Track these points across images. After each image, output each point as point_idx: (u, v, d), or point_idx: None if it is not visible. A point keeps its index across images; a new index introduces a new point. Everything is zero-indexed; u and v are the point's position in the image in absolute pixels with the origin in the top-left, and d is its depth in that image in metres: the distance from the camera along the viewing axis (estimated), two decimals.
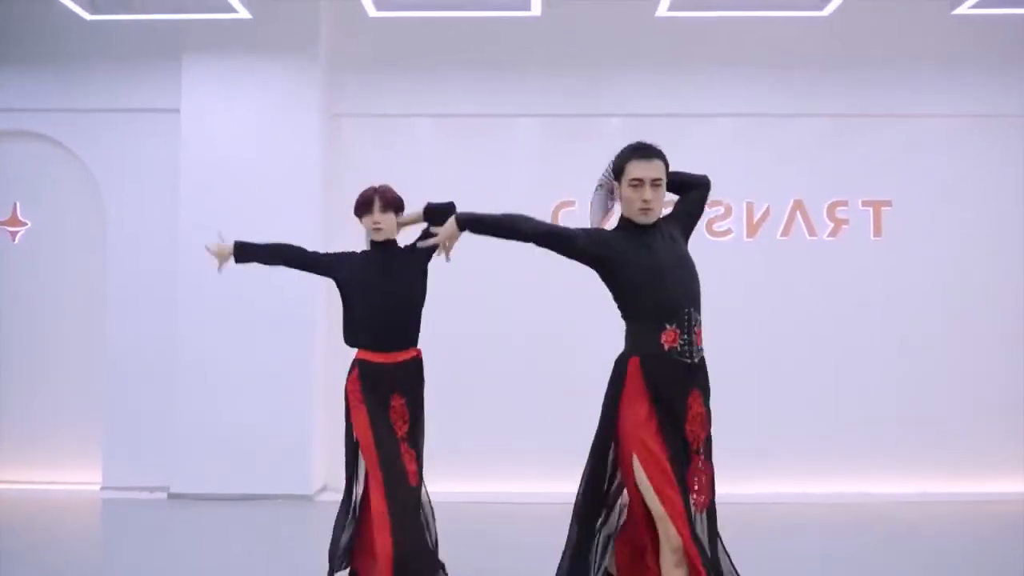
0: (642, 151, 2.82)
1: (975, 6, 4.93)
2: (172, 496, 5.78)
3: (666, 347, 2.68)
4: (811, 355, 6.06)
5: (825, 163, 6.17)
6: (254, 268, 5.87)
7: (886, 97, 6.12)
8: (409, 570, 3.17)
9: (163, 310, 5.96)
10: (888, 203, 6.15)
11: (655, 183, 2.77)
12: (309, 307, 5.89)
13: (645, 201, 2.75)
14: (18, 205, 6.25)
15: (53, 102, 6.12)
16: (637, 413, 2.68)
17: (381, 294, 3.53)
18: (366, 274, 3.58)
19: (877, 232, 6.15)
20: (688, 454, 2.70)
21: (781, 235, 6.17)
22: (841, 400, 6.02)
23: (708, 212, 6.05)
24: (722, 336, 5.76)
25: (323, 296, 5.94)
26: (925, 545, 4.69)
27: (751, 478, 5.83)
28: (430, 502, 3.61)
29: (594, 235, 2.84)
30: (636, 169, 2.78)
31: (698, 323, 2.73)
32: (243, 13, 5.15)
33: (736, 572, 2.85)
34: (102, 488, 5.97)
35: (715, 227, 6.17)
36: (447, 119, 6.20)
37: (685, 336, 2.69)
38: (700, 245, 3.23)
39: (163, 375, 5.93)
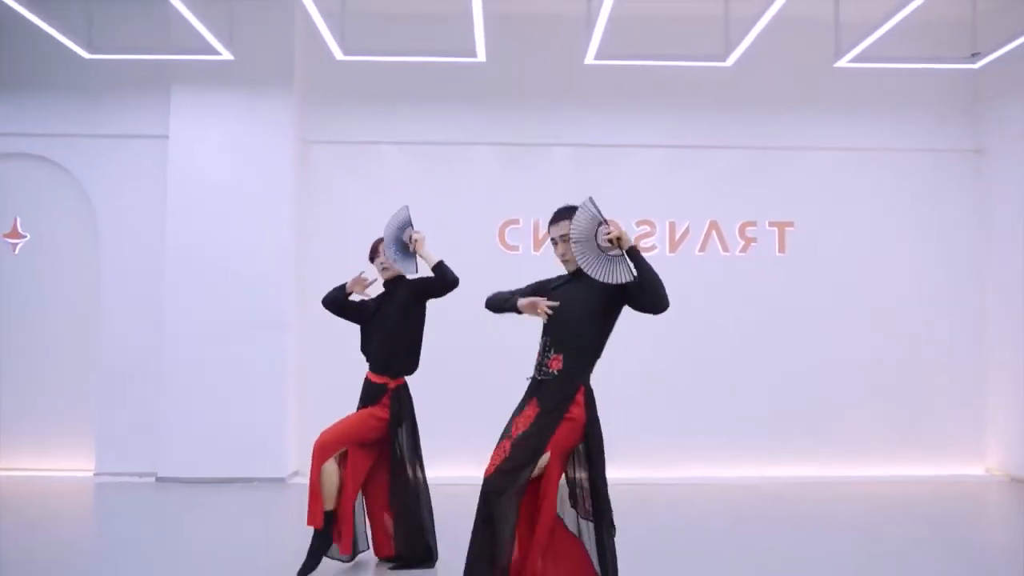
0: (553, 217, 3.54)
1: (852, 61, 5.83)
2: (160, 480, 6.48)
3: (535, 363, 3.49)
4: (723, 355, 6.95)
5: (737, 189, 7.06)
6: (234, 277, 6.63)
7: (787, 133, 7.05)
8: None
9: (151, 315, 6.65)
10: (791, 224, 7.07)
11: (563, 238, 3.47)
12: (282, 314, 6.61)
13: (562, 253, 3.50)
14: (18, 220, 6.88)
15: (53, 128, 6.77)
16: None
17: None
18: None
19: (781, 249, 7.06)
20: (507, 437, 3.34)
21: (699, 251, 7.05)
22: (747, 394, 6.91)
23: (636, 230, 6.97)
24: (647, 339, 6.69)
25: (294, 303, 6.69)
26: (812, 518, 5.60)
27: (670, 463, 6.74)
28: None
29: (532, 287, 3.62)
30: (552, 231, 3.53)
31: (552, 351, 3.38)
32: (225, 55, 5.87)
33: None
34: (95, 474, 6.65)
35: (641, 243, 7.01)
36: (407, 146, 6.98)
37: (540, 359, 3.45)
38: None
39: (150, 373, 6.60)
